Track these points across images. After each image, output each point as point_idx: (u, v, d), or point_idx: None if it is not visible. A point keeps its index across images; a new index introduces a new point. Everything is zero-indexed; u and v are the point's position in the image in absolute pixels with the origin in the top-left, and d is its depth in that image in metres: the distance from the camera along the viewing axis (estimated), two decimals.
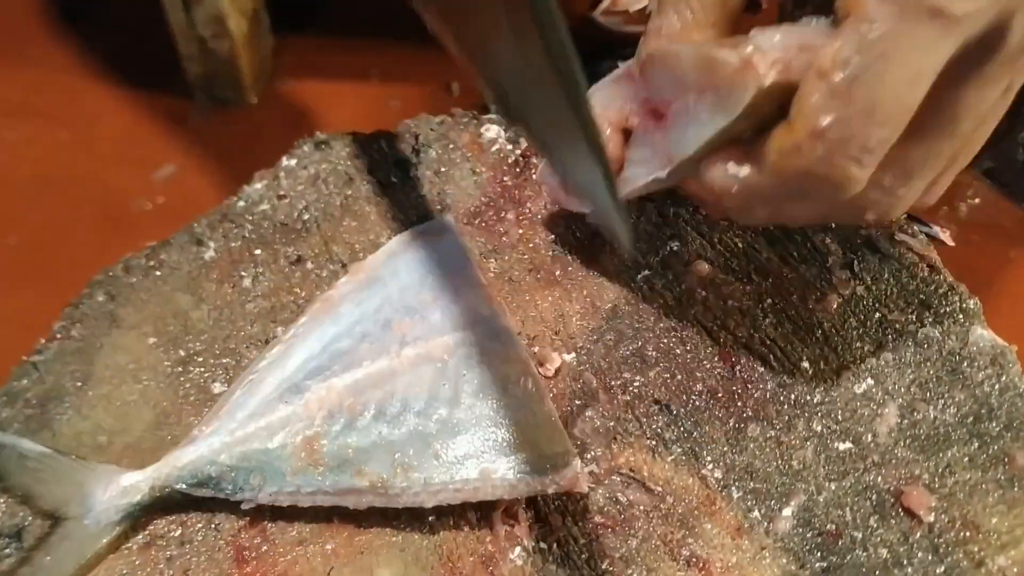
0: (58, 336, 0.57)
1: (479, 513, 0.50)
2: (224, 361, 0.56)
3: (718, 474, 0.51)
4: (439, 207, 0.61)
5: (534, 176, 0.62)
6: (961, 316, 0.56)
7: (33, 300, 0.66)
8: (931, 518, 0.50)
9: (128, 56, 0.93)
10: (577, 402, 0.53)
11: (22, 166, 0.78)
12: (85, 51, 0.91)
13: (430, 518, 0.50)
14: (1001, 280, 0.87)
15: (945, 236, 0.92)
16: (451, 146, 0.64)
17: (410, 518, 0.50)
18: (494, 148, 0.63)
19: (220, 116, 0.89)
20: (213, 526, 0.50)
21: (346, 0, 1.19)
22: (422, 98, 1.02)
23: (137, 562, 0.49)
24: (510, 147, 0.63)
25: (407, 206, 0.62)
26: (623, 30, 1.25)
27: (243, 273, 0.59)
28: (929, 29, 0.39)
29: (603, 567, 0.49)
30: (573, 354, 0.55)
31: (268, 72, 0.95)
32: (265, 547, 0.50)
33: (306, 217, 0.61)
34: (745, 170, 0.45)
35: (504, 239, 0.59)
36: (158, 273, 0.59)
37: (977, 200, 0.93)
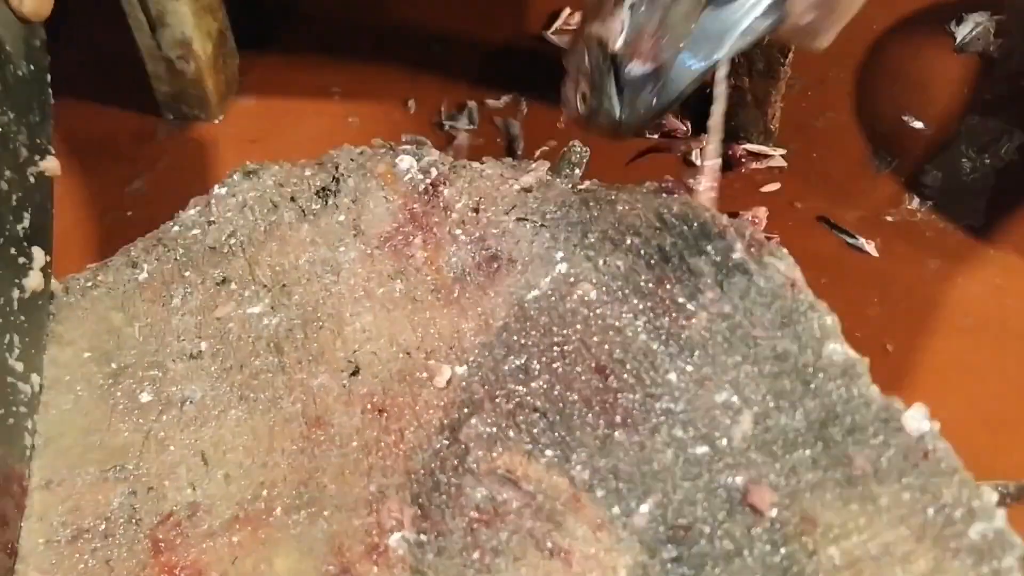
0: None
1: (368, 508, 0.56)
2: (152, 373, 0.62)
3: (585, 475, 0.57)
4: (354, 232, 0.67)
5: (441, 204, 0.68)
6: (818, 332, 0.61)
7: None
8: (773, 513, 0.56)
9: (98, 76, 0.97)
10: (465, 410, 0.59)
11: None
12: (58, 70, 0.95)
13: (325, 512, 0.56)
14: (921, 287, 0.92)
15: (870, 247, 0.98)
16: (367, 175, 0.69)
17: (308, 520, 0.56)
18: (407, 177, 0.69)
19: (187, 133, 0.93)
20: (133, 521, 0.56)
21: (309, 21, 1.24)
22: (380, 115, 1.07)
23: (64, 553, 0.55)
24: (420, 176, 0.69)
25: (325, 231, 0.68)
26: None
27: (173, 293, 0.65)
28: None
29: (475, 556, 0.55)
30: (464, 367, 0.61)
31: (233, 90, 0.99)
32: (179, 540, 0.56)
33: (232, 241, 0.67)
34: None
35: (410, 262, 0.65)
36: (95, 293, 0.65)
37: (903, 214, 0.98)
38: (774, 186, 1.06)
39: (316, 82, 1.12)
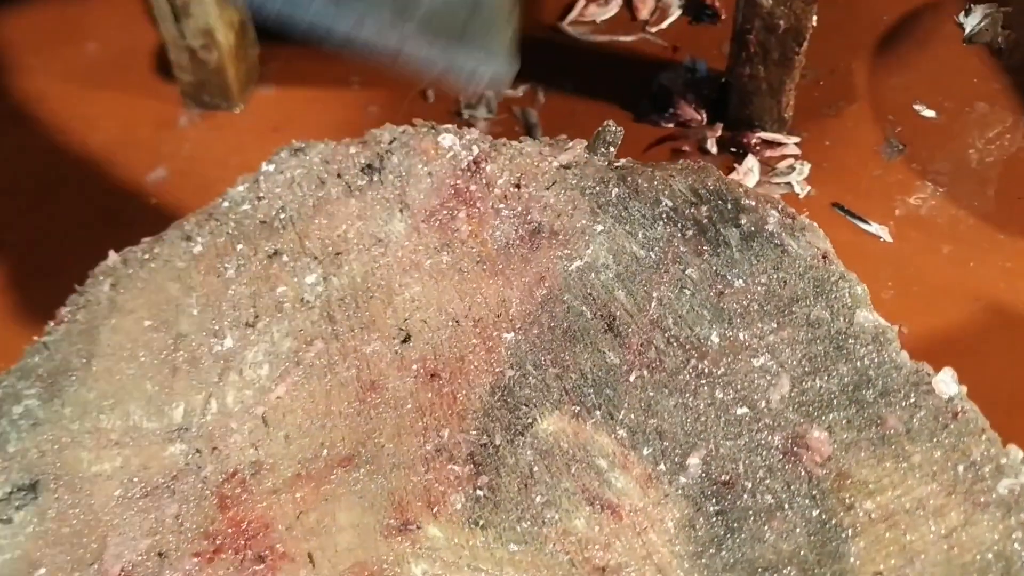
0: (65, 319, 0.65)
1: (426, 466, 0.59)
2: (211, 340, 0.64)
3: (632, 434, 0.60)
4: (400, 206, 0.70)
5: (483, 179, 0.70)
6: (849, 300, 0.64)
7: (32, 295, 0.73)
8: (812, 470, 0.58)
9: (122, 66, 0.99)
10: (513, 374, 0.62)
11: (21, 171, 0.84)
12: (81, 62, 0.96)
13: (384, 470, 0.58)
14: (935, 271, 0.95)
15: (884, 233, 1.00)
16: (411, 152, 0.72)
17: (368, 477, 0.59)
18: (449, 155, 0.72)
19: (209, 122, 0.94)
20: (200, 478, 0.59)
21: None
22: (400, 104, 1.09)
23: (137, 508, 0.58)
24: (463, 153, 0.72)
25: (372, 206, 0.70)
26: (590, 40, 1.34)
27: (227, 265, 0.67)
28: None
29: (529, 511, 0.57)
30: (512, 334, 0.63)
31: (254, 80, 1.00)
32: (244, 496, 0.58)
33: (282, 216, 0.69)
34: None
35: (455, 235, 0.68)
36: (152, 265, 0.67)
37: (915, 200, 1.00)
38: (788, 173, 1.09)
39: (335, 72, 1.14)
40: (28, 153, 0.87)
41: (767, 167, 1.13)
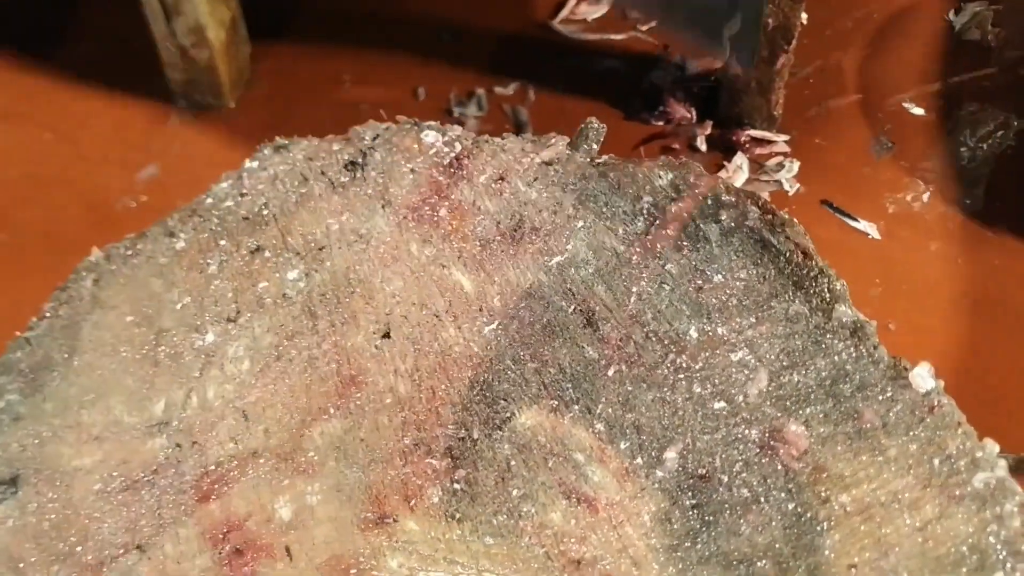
0: (47, 315, 0.65)
1: (404, 460, 0.59)
2: (192, 336, 0.65)
3: (609, 428, 0.60)
4: (382, 203, 0.70)
5: (465, 176, 0.70)
6: (828, 295, 0.64)
7: (23, 291, 0.74)
8: (789, 464, 0.59)
9: (113, 63, 0.99)
10: (493, 369, 0.62)
11: (12, 167, 0.84)
12: (72, 59, 0.97)
13: (362, 464, 0.59)
14: (923, 268, 0.95)
15: (873, 230, 1.00)
16: (394, 149, 0.72)
17: (346, 471, 0.59)
18: (432, 151, 0.72)
19: (200, 120, 0.94)
20: (179, 472, 0.59)
21: (319, 10, 1.27)
22: (390, 102, 1.09)
23: (116, 502, 0.58)
24: (445, 150, 0.72)
25: (355, 202, 0.70)
26: (581, 38, 1.34)
27: (209, 261, 0.68)
28: None
29: (506, 505, 0.57)
30: (491, 328, 0.64)
31: (245, 78, 1.00)
32: (223, 489, 0.59)
33: (265, 212, 0.70)
34: None
35: (437, 230, 0.68)
36: (135, 261, 0.68)
37: (904, 197, 1.01)
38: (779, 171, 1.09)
39: (327, 70, 1.14)
40: (18, 150, 0.88)
41: (756, 165, 1.13)
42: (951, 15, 1.15)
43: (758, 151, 1.12)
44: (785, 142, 1.13)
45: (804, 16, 1.02)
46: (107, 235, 0.72)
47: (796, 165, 1.10)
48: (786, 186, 1.07)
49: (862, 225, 0.99)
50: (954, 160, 1.03)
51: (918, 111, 1.07)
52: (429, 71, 1.18)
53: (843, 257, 0.89)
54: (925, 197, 1.00)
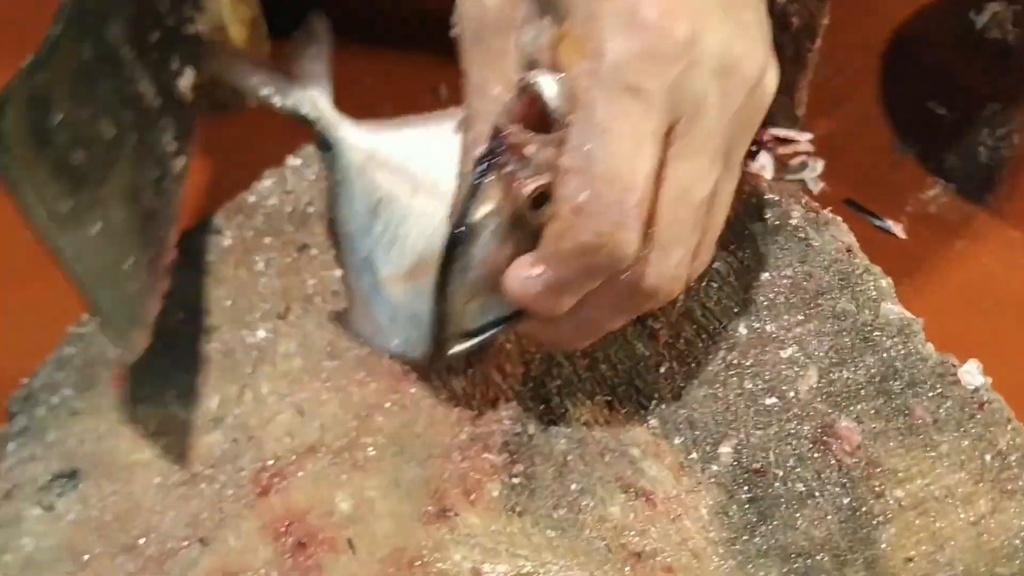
0: None
1: (462, 455, 0.59)
2: (243, 332, 0.65)
3: (663, 424, 0.61)
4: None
5: None
6: (874, 293, 0.65)
7: (46, 291, 0.74)
8: (842, 459, 0.59)
9: None
10: (546, 365, 0.63)
11: None
12: None
13: (420, 459, 0.59)
14: (948, 268, 0.95)
15: (897, 229, 1.01)
16: None
17: (404, 465, 0.60)
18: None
19: (220, 119, 0.94)
20: (238, 466, 0.60)
21: (337, 9, 1.27)
22: (411, 101, 1.09)
23: (176, 495, 0.59)
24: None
25: None
26: None
27: (256, 258, 0.68)
28: (631, 102, 0.47)
29: (565, 499, 0.58)
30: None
31: None
32: (283, 483, 0.59)
33: (310, 210, 0.70)
34: (538, 268, 0.50)
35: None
36: (183, 259, 0.68)
37: (928, 197, 1.01)
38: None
39: (345, 70, 1.14)
40: None
41: (781, 164, 1.13)
42: (972, 15, 1.15)
43: (781, 150, 1.12)
44: (809, 141, 1.13)
45: (828, 16, 1.03)
46: None
47: (820, 164, 1.11)
48: (810, 185, 1.07)
49: (886, 224, 1.00)
50: (977, 160, 1.04)
51: (940, 110, 1.07)
52: (449, 70, 1.18)
53: (868, 255, 0.89)
54: (949, 196, 1.01)
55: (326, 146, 0.68)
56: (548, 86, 0.48)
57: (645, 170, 0.48)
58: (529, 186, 0.49)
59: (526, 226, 0.50)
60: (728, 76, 0.50)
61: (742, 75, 0.50)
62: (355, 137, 0.68)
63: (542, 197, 0.49)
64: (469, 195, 0.50)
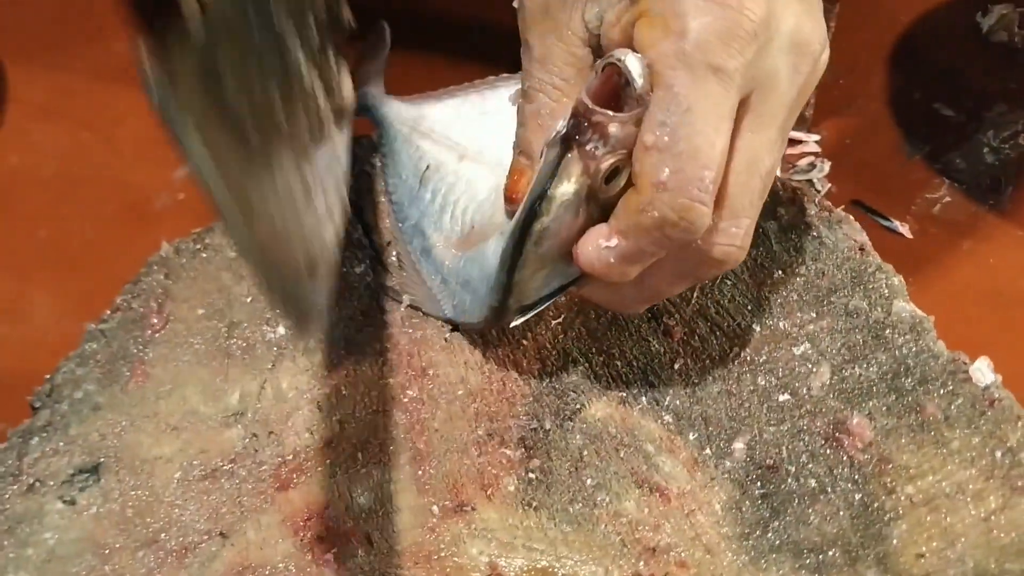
0: (121, 307, 0.66)
1: (479, 450, 0.60)
2: (263, 328, 0.66)
3: (678, 420, 0.62)
4: None
5: None
6: (886, 291, 0.66)
7: (62, 287, 0.74)
8: (854, 455, 0.60)
9: None
10: (562, 362, 0.64)
11: (50, 165, 0.84)
12: (109, 57, 0.97)
13: (438, 454, 0.60)
14: (955, 268, 0.96)
15: (904, 229, 1.02)
16: None
17: (422, 460, 0.60)
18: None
19: None
20: (258, 461, 0.60)
21: (352, 11, 1.28)
22: None
23: (197, 489, 0.60)
24: None
25: None
26: None
27: None
28: (714, 82, 0.49)
29: (581, 493, 0.59)
30: (559, 321, 0.65)
31: None
32: (302, 478, 0.60)
33: None
34: (614, 240, 0.52)
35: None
36: (204, 255, 0.69)
37: (934, 196, 1.02)
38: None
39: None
40: (56, 148, 0.88)
41: (788, 165, 1.14)
42: (978, 17, 1.15)
43: (789, 151, 1.13)
44: (816, 142, 1.14)
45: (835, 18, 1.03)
46: (147, 232, 0.73)
47: (827, 165, 1.11)
48: (818, 186, 1.08)
49: (893, 224, 1.00)
50: (984, 161, 1.04)
51: (947, 112, 1.08)
52: (461, 72, 1.18)
53: (880, 258, 0.90)
54: (956, 197, 1.01)
55: (376, 124, 0.73)
56: (634, 65, 0.49)
57: (722, 146, 0.50)
58: (608, 161, 0.50)
59: (597, 199, 0.52)
60: (798, 52, 0.52)
61: (810, 51, 0.53)
62: (400, 111, 0.73)
63: (614, 171, 0.51)
64: (550, 171, 0.52)
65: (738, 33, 0.49)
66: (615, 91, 0.50)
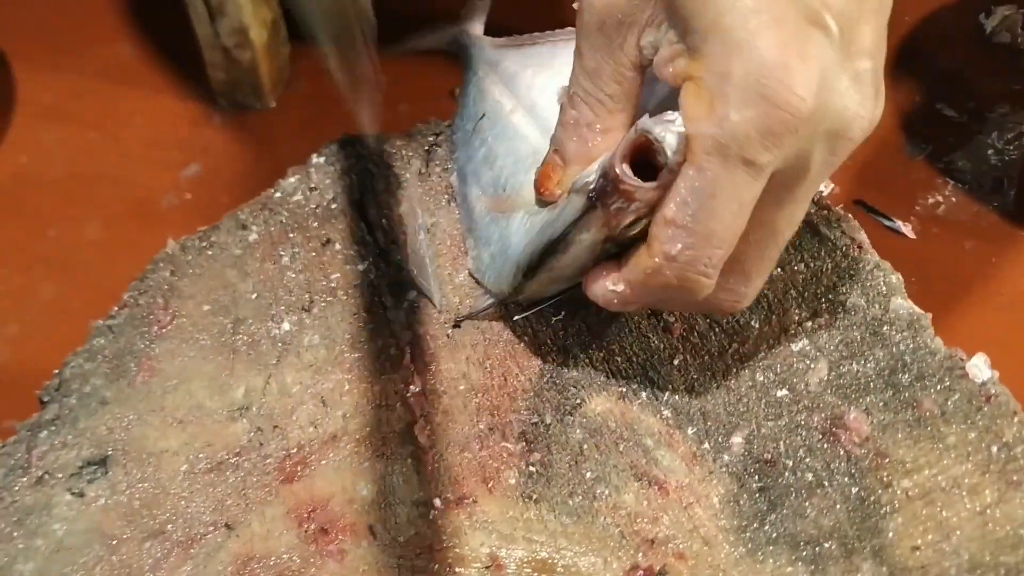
0: (128, 304, 0.67)
1: (480, 444, 0.61)
2: (268, 324, 0.67)
3: (676, 415, 0.62)
4: (447, 196, 0.72)
5: None
6: (884, 288, 0.67)
7: (70, 285, 0.75)
8: (851, 450, 0.61)
9: (156, 64, 1.00)
10: (562, 357, 0.64)
11: (58, 166, 0.85)
12: (116, 59, 0.97)
13: (440, 447, 0.61)
14: (957, 267, 0.96)
15: (907, 229, 1.02)
16: (456, 147, 0.74)
17: (424, 453, 0.61)
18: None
19: (241, 119, 0.95)
20: (263, 454, 0.61)
21: None
22: (429, 102, 1.10)
23: (203, 481, 0.60)
24: None
25: (421, 196, 0.73)
26: None
27: (282, 252, 0.70)
28: (744, 174, 0.49)
29: (580, 486, 0.60)
30: (559, 317, 0.66)
31: (286, 78, 1.01)
32: (306, 471, 0.61)
33: (334, 206, 0.72)
34: (620, 287, 0.56)
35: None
36: (210, 252, 0.70)
37: (937, 198, 1.02)
38: None
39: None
40: (65, 149, 0.89)
41: None
42: (982, 18, 1.16)
43: None
44: None
45: None
46: (154, 231, 0.73)
47: None
48: (820, 186, 1.09)
49: (895, 224, 1.01)
50: (986, 161, 1.05)
51: (950, 112, 1.08)
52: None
53: (878, 255, 0.90)
54: (958, 197, 1.01)
55: (464, 64, 0.76)
56: (670, 143, 0.51)
57: (739, 227, 0.52)
58: (628, 219, 0.54)
59: (614, 238, 0.55)
60: (838, 139, 0.52)
61: (850, 137, 0.52)
62: (483, 54, 0.75)
63: (634, 220, 0.54)
64: (572, 218, 0.56)
65: (778, 131, 0.48)
66: (647, 148, 0.52)
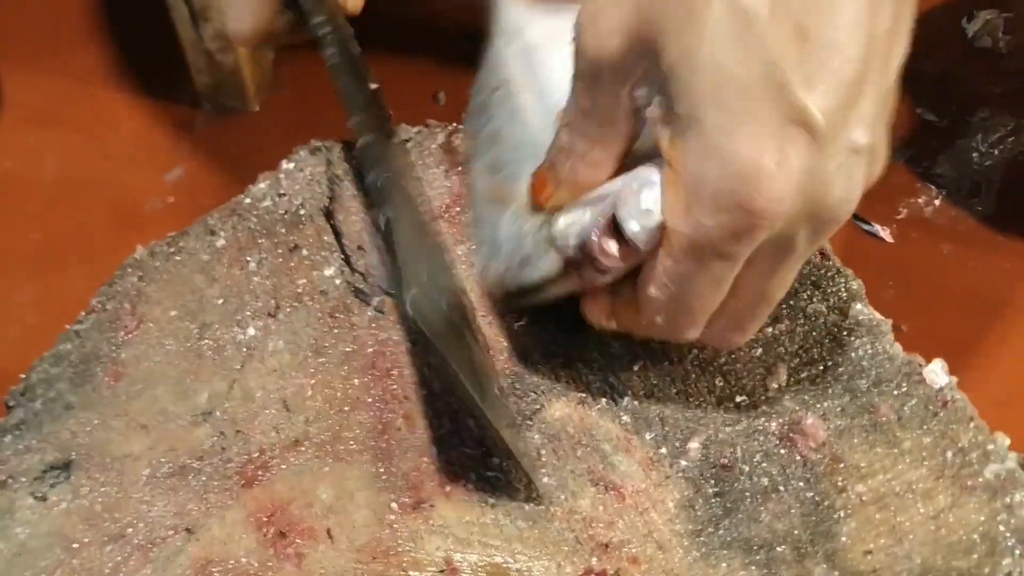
0: (95, 309, 0.68)
1: (439, 448, 0.62)
2: (234, 330, 0.67)
3: (635, 420, 0.63)
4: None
5: None
6: (845, 294, 0.67)
7: (55, 288, 0.76)
8: (807, 455, 0.61)
9: (141, 68, 1.01)
10: (521, 363, 0.65)
11: (43, 169, 0.86)
12: (101, 63, 0.98)
13: (399, 452, 0.62)
14: (936, 271, 0.97)
15: (885, 234, 1.02)
16: (425, 152, 0.75)
17: (384, 459, 0.62)
18: (462, 153, 0.75)
19: (225, 123, 0.95)
20: (224, 459, 0.62)
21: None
22: (411, 107, 1.11)
23: (164, 486, 0.61)
24: None
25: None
26: None
27: (249, 258, 0.70)
28: (719, 264, 0.51)
29: (537, 492, 0.60)
30: (520, 323, 0.66)
31: (269, 82, 1.01)
32: (267, 476, 0.61)
33: (302, 212, 0.72)
34: (612, 324, 0.61)
35: (468, 230, 0.71)
36: (178, 258, 0.70)
37: (916, 201, 1.03)
38: None
39: None
40: (50, 152, 0.90)
41: None
42: (964, 22, 1.16)
43: None
44: None
45: None
46: (137, 234, 0.74)
47: None
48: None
49: (875, 229, 1.01)
50: (966, 165, 1.05)
51: (930, 116, 1.09)
52: (449, 76, 1.20)
53: (856, 260, 0.90)
54: (937, 201, 1.02)
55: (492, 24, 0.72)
56: (640, 238, 0.53)
57: (720, 296, 0.54)
58: (603, 282, 0.57)
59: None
60: (821, 223, 0.51)
61: (835, 219, 0.51)
62: (509, 19, 0.70)
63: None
64: (548, 274, 0.58)
65: (753, 233, 0.49)
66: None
